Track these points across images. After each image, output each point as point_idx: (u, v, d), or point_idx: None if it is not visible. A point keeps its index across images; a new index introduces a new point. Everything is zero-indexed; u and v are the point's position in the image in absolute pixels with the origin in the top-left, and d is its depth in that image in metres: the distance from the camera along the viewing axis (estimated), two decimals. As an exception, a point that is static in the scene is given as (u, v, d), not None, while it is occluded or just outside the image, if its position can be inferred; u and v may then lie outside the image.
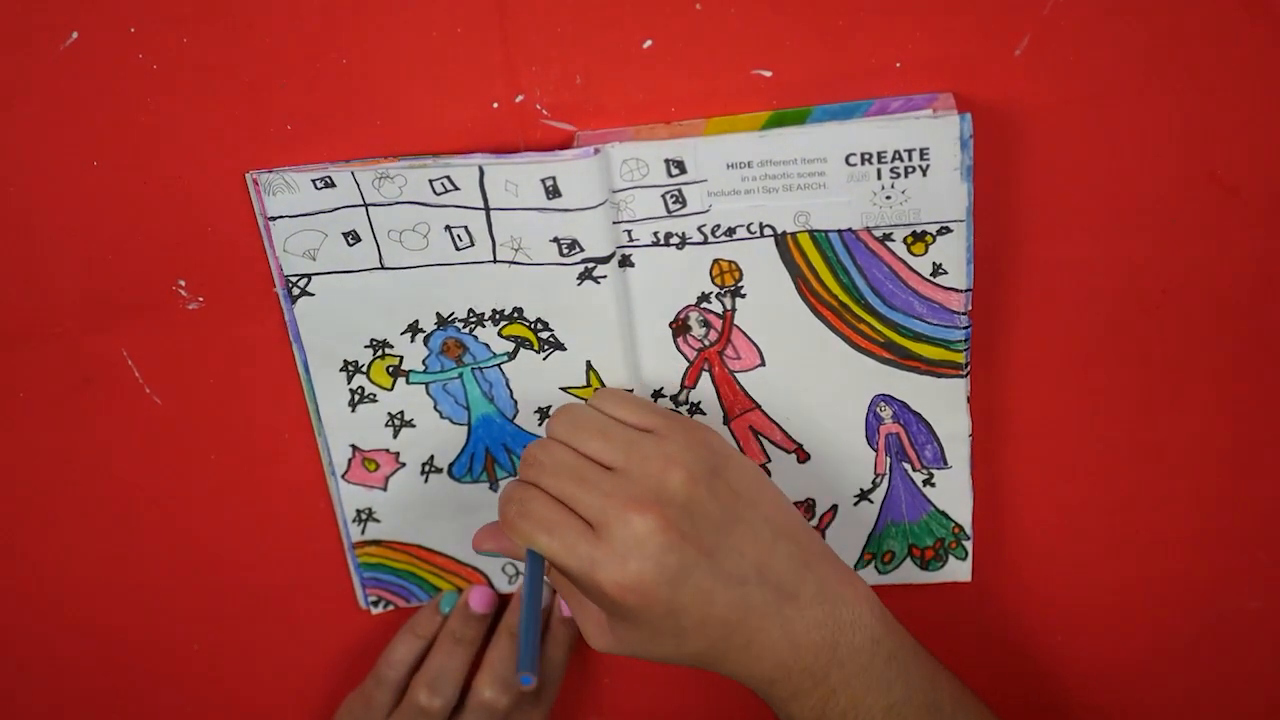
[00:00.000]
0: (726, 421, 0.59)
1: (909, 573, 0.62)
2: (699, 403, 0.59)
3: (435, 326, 0.57)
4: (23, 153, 0.54)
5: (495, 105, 0.53)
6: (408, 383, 0.59)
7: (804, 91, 0.52)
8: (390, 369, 0.59)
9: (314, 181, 0.53)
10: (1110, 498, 0.61)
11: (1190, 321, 0.56)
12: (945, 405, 0.57)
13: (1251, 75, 0.51)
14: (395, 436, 0.60)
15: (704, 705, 0.68)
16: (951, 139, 0.51)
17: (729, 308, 0.56)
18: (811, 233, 0.54)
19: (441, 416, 0.60)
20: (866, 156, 0.51)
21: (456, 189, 0.53)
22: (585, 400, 0.56)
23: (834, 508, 0.61)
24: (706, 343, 0.57)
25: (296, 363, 0.59)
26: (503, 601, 0.65)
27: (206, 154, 0.54)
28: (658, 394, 0.59)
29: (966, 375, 0.56)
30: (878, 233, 0.53)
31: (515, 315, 0.57)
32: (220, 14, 0.51)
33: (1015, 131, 0.52)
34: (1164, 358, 0.57)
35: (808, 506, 0.61)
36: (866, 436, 0.59)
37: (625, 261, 0.55)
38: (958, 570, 0.62)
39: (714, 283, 0.56)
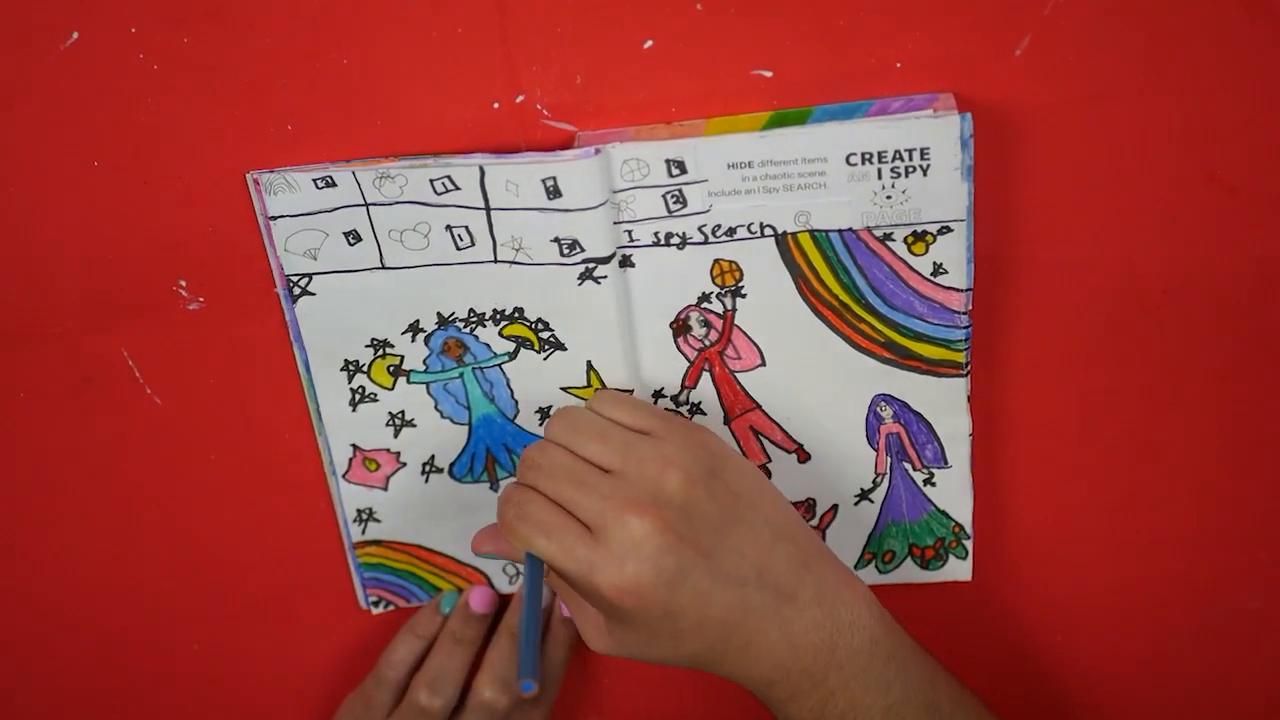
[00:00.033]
0: (727, 421, 0.59)
1: (909, 572, 0.62)
2: (699, 403, 0.59)
3: (436, 326, 0.57)
4: (23, 153, 0.54)
5: (496, 105, 0.53)
6: (408, 382, 0.59)
7: (804, 91, 0.52)
8: (391, 369, 0.59)
9: (315, 181, 0.53)
10: (1110, 498, 0.61)
11: (1190, 321, 0.56)
12: (945, 405, 0.57)
13: (1251, 75, 0.51)
14: (396, 436, 0.60)
15: (703, 706, 0.68)
16: (952, 139, 0.51)
17: (729, 308, 0.56)
18: (812, 232, 0.54)
19: (442, 416, 0.60)
20: (867, 156, 0.51)
21: (457, 189, 0.53)
22: (584, 402, 0.56)
23: (834, 507, 0.61)
24: (707, 343, 0.57)
25: (297, 362, 0.59)
26: (503, 602, 0.65)
27: (207, 154, 0.54)
28: (658, 394, 0.59)
29: (967, 375, 0.56)
30: (878, 232, 0.53)
31: (516, 315, 0.57)
32: (220, 14, 0.51)
33: (1015, 131, 0.52)
34: (1164, 358, 0.57)
35: (808, 506, 0.61)
36: (867, 436, 0.59)
37: (626, 262, 0.55)
38: (958, 570, 0.62)
39: (714, 283, 0.56)
